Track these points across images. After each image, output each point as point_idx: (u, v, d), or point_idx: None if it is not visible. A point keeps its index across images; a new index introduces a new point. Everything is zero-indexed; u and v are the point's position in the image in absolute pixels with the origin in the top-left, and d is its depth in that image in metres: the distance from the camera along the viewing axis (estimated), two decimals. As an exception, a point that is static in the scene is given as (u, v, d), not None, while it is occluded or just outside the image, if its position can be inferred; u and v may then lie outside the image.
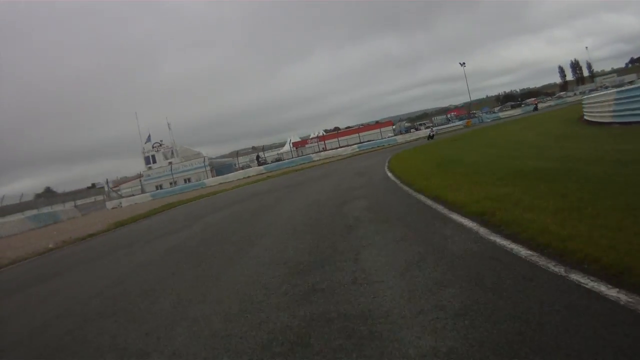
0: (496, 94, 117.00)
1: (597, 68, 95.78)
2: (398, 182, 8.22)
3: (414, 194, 6.25)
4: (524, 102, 59.15)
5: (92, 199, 52.09)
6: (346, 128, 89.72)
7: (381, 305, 2.42)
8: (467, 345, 1.81)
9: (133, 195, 48.34)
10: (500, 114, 53.32)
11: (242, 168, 52.23)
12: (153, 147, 54.21)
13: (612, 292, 2.00)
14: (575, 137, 9.82)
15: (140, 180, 54.84)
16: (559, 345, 1.67)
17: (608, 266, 2.23)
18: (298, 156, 48.04)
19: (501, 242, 3.10)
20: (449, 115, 60.72)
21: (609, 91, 12.07)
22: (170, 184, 49.82)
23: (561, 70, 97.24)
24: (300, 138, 63.53)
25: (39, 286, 5.65)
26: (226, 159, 63.23)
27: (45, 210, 43.00)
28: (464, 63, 53.07)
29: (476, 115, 53.64)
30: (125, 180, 61.95)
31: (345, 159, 32.56)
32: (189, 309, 3.13)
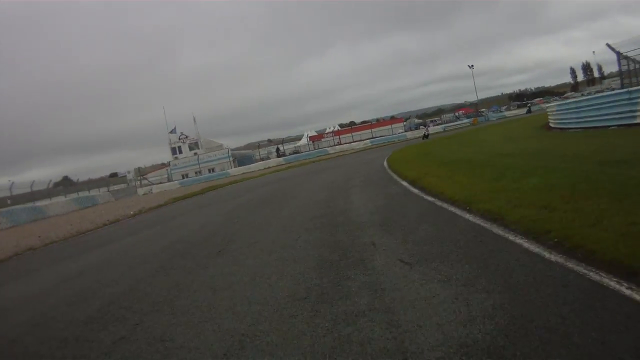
0: (511, 91, 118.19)
1: (612, 69, 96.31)
2: (386, 166, 11.84)
3: (390, 172, 9.91)
4: (530, 102, 61.28)
5: (119, 187, 56.41)
6: (362, 122, 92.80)
7: (352, 205, 6.08)
8: (381, 214, 5.44)
9: (161, 183, 52.60)
10: (506, 113, 55.82)
11: (262, 159, 56.18)
12: (179, 139, 58.53)
13: (460, 212, 5.59)
14: (523, 139, 13.19)
15: (167, 170, 59.61)
16: (419, 220, 5.28)
17: (459, 200, 5.65)
18: (315, 149, 51.71)
19: (414, 190, 6.71)
20: (457, 113, 63.34)
21: (552, 103, 15.31)
22: (196, 173, 53.84)
23: (572, 71, 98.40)
24: (316, 132, 67.21)
25: (151, 229, 9.45)
26: (246, 151, 67.45)
27: (84, 194, 47.60)
28: (472, 65, 55.64)
29: (483, 113, 56.21)
30: (151, 169, 66.64)
31: (358, 152, 36.15)
32: (269, 223, 6.84)
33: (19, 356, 2.91)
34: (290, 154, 53.45)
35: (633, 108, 9.48)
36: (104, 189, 52.16)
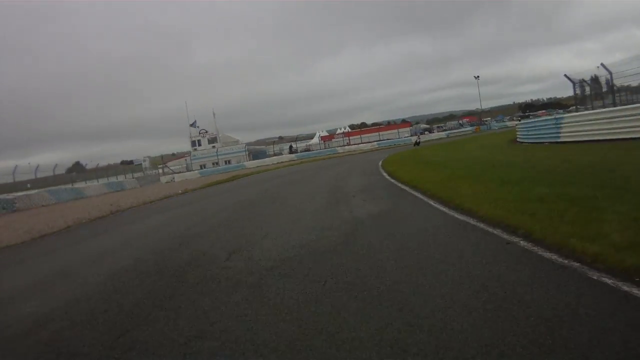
0: (523, 101, 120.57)
1: (624, 83, 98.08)
2: (380, 165, 15.63)
3: (380, 168, 13.71)
4: (533, 113, 64.34)
5: (137, 174, 60.28)
6: (373, 124, 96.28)
7: (348, 184, 9.94)
8: (362, 187, 9.27)
9: (181, 172, 56.87)
10: (509, 123, 59.02)
11: (275, 155, 60.28)
12: (200, 133, 62.93)
13: (402, 186, 9.40)
14: (490, 147, 16.83)
15: (185, 160, 64.23)
16: (381, 195, 9.11)
17: (407, 181, 9.50)
18: (325, 148, 55.61)
19: (387, 178, 10.54)
20: (461, 121, 66.60)
21: (516, 122, 18.87)
22: (214, 164, 58.09)
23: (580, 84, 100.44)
24: (328, 132, 71.30)
25: (209, 199, 13.37)
26: (260, 147, 71.68)
27: (113, 179, 51.93)
28: (478, 76, 58.92)
29: (486, 122, 59.51)
30: (168, 158, 71.15)
31: (365, 153, 40.01)
32: (297, 192, 10.72)
33: (172, 258, 6.80)
34: (301, 152, 57.46)
35: (558, 131, 13.15)
36: (121, 176, 55.84)
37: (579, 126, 12.19)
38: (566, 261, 2.80)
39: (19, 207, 26.02)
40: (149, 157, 72.79)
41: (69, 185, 39.65)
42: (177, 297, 3.26)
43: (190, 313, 2.86)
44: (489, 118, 72.60)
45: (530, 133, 15.55)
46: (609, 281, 2.39)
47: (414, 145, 36.10)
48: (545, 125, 14.23)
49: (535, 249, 3.16)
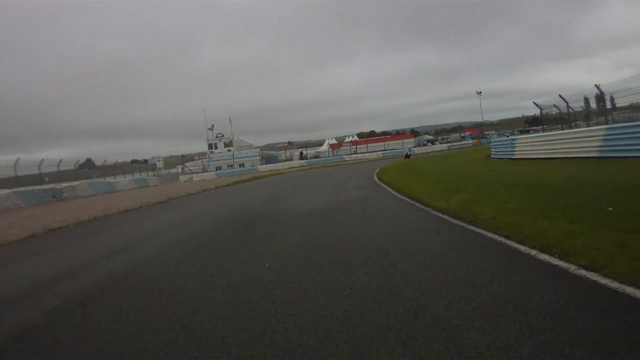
0: (532, 114, 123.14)
1: (633, 101, 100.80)
2: (377, 171, 19.50)
3: (374, 176, 17.60)
4: (532, 128, 67.49)
5: (148, 173, 63.84)
6: (382, 133, 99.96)
7: (348, 184, 13.85)
8: (357, 186, 13.17)
9: (198, 172, 61.15)
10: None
11: (287, 160, 64.47)
12: (216, 137, 67.38)
13: (384, 186, 13.29)
14: (470, 161, 20.58)
15: (202, 162, 68.77)
16: (362, 186, 13.02)
17: (388, 183, 13.34)
18: (333, 156, 59.62)
19: (377, 181, 14.41)
20: (463, 134, 70.08)
21: (491, 139, 22.61)
22: (229, 166, 62.31)
23: (586, 100, 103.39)
24: (336, 140, 75.54)
25: (243, 192, 17.35)
26: (272, 152, 76.02)
27: (137, 176, 56.10)
28: (480, 92, 62.60)
29: (487, 136, 62.93)
30: (187, 159, 75.72)
31: (369, 161, 43.94)
32: (309, 188, 14.66)
33: (246, 213, 10.76)
34: (311, 158, 61.54)
35: (512, 149, 16.92)
36: (136, 174, 59.26)
37: (526, 146, 15.97)
38: (428, 209, 6.67)
39: (66, 197, 30.29)
40: (161, 157, 77.40)
41: (102, 179, 43.92)
42: (258, 224, 7.21)
43: (267, 228, 6.76)
44: (492, 132, 75.92)
45: (498, 150, 19.30)
46: (460, 222, 6.26)
47: (405, 157, 39.20)
48: (505, 144, 18.02)
49: (423, 207, 7.04)
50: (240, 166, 62.42)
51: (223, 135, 67.73)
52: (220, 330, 2.57)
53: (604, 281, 2.66)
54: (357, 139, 72.36)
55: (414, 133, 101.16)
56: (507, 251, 3.69)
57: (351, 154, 59.05)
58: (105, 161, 49.75)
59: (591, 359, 1.79)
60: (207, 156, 66.95)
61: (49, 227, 10.01)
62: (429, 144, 61.83)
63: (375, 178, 15.44)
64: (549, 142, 14.59)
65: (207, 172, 60.60)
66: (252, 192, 16.00)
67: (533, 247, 3.60)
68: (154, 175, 61.39)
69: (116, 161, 52.84)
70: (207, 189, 21.59)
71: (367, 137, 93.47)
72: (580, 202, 5.12)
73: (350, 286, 3.13)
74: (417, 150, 56.88)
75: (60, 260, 5.83)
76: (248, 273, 3.88)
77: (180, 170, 64.00)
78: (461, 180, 10.55)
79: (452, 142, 62.87)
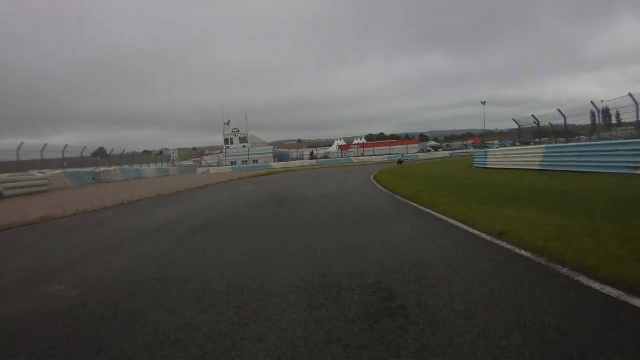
0: (542, 125, 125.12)
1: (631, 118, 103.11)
2: (375, 172, 23.55)
3: (373, 179, 21.67)
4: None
5: (165, 164, 68.02)
6: (391, 135, 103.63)
7: (351, 180, 17.94)
8: (357, 182, 17.25)
9: (214, 166, 65.49)
10: (510, 147, 65.76)
11: (298, 159, 68.74)
12: (232, 132, 71.77)
13: (376, 184, 17.37)
14: (456, 170, 24.47)
15: (218, 156, 73.34)
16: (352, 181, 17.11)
17: (380, 182, 17.35)
18: (342, 157, 63.73)
19: (372, 180, 18.46)
20: (466, 143, 73.58)
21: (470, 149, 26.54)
22: (243, 162, 66.58)
23: (592, 115, 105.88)
24: (345, 141, 79.72)
25: (264, 183, 21.52)
26: (284, 150, 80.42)
27: (153, 166, 60.43)
28: (484, 102, 66.09)
29: (490, 145, 66.37)
30: (199, 154, 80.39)
31: (374, 164, 48.00)
32: (319, 182, 18.80)
33: (277, 196, 14.91)
34: (321, 158, 65.65)
35: (485, 160, 20.84)
36: (152, 165, 62.99)
37: (495, 158, 19.91)
38: (395, 195, 10.72)
39: (103, 180, 34.67)
40: (201, 151, 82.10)
41: (128, 166, 48.24)
42: (290, 200, 11.35)
43: (296, 202, 10.88)
44: (496, 141, 79.16)
45: (477, 160, 23.18)
46: (423, 207, 10.33)
47: (397, 163, 41.99)
48: (481, 156, 21.98)
49: (393, 194, 11.10)
50: (254, 162, 66.46)
51: (239, 131, 71.95)
52: (288, 224, 6.71)
53: (442, 216, 6.70)
54: (365, 141, 76.32)
55: (422, 138, 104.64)
56: (412, 207, 7.78)
57: (358, 156, 63.04)
58: (120, 150, 51.61)
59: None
60: (224, 151, 71.27)
61: (128, 200, 14.16)
62: (432, 150, 65.49)
63: (372, 178, 19.46)
64: (510, 156, 18.56)
65: (222, 166, 64.73)
66: (274, 183, 20.18)
67: (427, 208, 7.66)
68: (172, 166, 65.85)
69: (124, 150, 53.55)
70: (233, 180, 25.82)
71: (377, 139, 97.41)
72: (474, 193, 9.15)
73: (339, 215, 7.23)
74: (421, 155, 60.71)
75: (174, 213, 9.99)
76: (292, 215, 8.01)
77: (193, 163, 68.46)
78: (429, 181, 14.59)
79: (455, 149, 66.46)
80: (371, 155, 62.05)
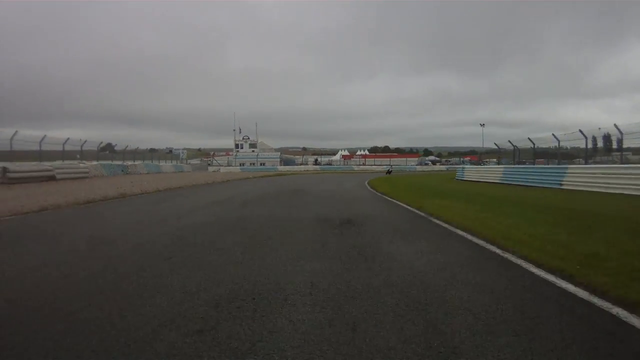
0: (545, 146, 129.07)
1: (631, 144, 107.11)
2: (369, 179, 27.48)
3: (366, 183, 25.62)
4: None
5: (173, 162, 72.39)
6: (395, 149, 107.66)
7: (348, 183, 21.91)
8: (353, 185, 21.24)
9: (224, 166, 69.50)
10: (462, 167, 69.73)
11: (302, 164, 72.98)
12: (243, 139, 76.08)
13: (370, 189, 21.33)
14: (442, 181, 28.34)
15: (228, 157, 77.57)
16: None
17: (375, 187, 21.27)
18: (344, 165, 67.83)
19: (367, 185, 22.42)
20: (463, 159, 77.38)
21: (460, 166, 30.51)
22: (251, 164, 70.65)
23: (594, 140, 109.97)
24: (349, 152, 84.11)
25: (276, 181, 25.51)
26: (290, 155, 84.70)
27: (174, 162, 64.47)
28: (483, 124, 70.10)
29: (485, 162, 70.18)
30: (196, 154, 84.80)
31: (373, 172, 52.01)
32: (322, 183, 22.77)
33: (289, 189, 18.90)
34: (324, 165, 69.86)
35: (463, 174, 24.76)
36: (162, 162, 66.76)
37: (470, 172, 23.86)
38: (378, 192, 14.65)
39: (130, 172, 38.67)
40: (213, 152, 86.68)
41: (149, 161, 52.30)
42: (299, 193, 15.30)
43: (304, 194, 14.83)
44: (494, 159, 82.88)
45: (458, 174, 27.11)
46: (397, 204, 14.28)
47: (386, 173, 42.57)
48: (461, 171, 25.93)
49: (377, 192, 15.04)
50: (261, 164, 70.47)
51: (249, 138, 76.25)
52: (303, 202, 10.68)
53: (395, 201, 10.62)
54: (368, 152, 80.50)
55: (426, 152, 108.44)
56: (383, 198, 11.72)
57: (360, 165, 67.13)
58: (124, 147, 53.58)
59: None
60: (234, 153, 75.46)
61: (173, 187, 18.05)
62: (430, 163, 69.43)
63: (365, 183, 23.41)
64: (481, 171, 22.53)
65: (231, 166, 68.71)
66: (283, 182, 24.12)
67: (392, 198, 11.59)
68: (185, 164, 69.88)
69: (127, 146, 54.88)
70: (248, 178, 29.83)
71: (381, 151, 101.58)
72: (429, 193, 13.06)
73: (336, 202, 11.18)
74: (419, 168, 64.68)
75: (220, 195, 13.88)
76: (302, 202, 11.96)
77: (201, 162, 72.79)
78: (405, 185, 18.53)
79: (452, 164, 70.39)
80: (372, 165, 66.14)
